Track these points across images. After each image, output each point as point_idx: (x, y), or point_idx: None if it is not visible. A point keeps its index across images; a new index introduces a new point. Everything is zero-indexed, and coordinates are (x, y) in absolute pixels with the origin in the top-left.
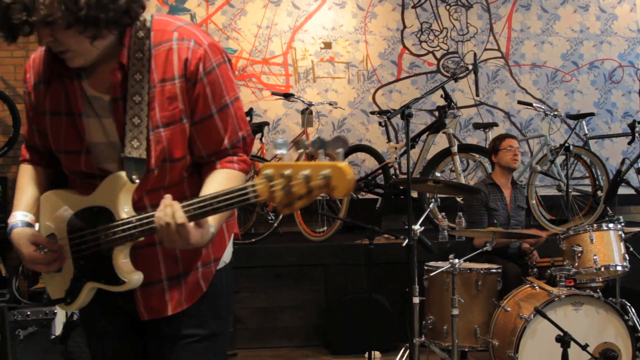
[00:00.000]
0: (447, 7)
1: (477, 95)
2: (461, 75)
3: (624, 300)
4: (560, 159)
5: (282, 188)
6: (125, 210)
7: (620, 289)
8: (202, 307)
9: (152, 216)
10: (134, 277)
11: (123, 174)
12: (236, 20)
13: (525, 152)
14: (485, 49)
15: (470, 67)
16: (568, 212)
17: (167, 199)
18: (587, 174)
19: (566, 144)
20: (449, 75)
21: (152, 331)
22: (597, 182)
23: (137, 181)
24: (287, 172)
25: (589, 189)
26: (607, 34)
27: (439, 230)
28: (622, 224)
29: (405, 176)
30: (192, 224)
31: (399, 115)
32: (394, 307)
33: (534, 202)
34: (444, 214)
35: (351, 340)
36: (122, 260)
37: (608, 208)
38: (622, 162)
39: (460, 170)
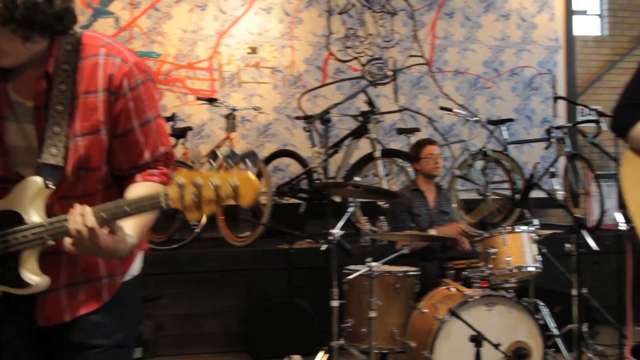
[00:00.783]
0: (373, 13)
1: (396, 101)
2: (381, 82)
3: (537, 300)
4: (480, 164)
5: (192, 195)
6: (37, 215)
7: (535, 289)
8: (108, 317)
9: (64, 219)
10: (40, 281)
11: (38, 179)
12: (161, 24)
13: (447, 157)
14: (410, 56)
15: (390, 74)
16: (484, 214)
17: (78, 205)
18: (507, 178)
19: (483, 149)
20: (379, 81)
21: (57, 340)
22: (515, 186)
23: (52, 187)
24: (199, 180)
25: (509, 192)
26: (527, 42)
27: (361, 235)
28: (537, 227)
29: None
30: (104, 229)
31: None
32: (317, 311)
33: (454, 205)
34: (367, 218)
35: (273, 345)
36: (30, 264)
37: (525, 211)
38: (535, 167)
39: (383, 174)
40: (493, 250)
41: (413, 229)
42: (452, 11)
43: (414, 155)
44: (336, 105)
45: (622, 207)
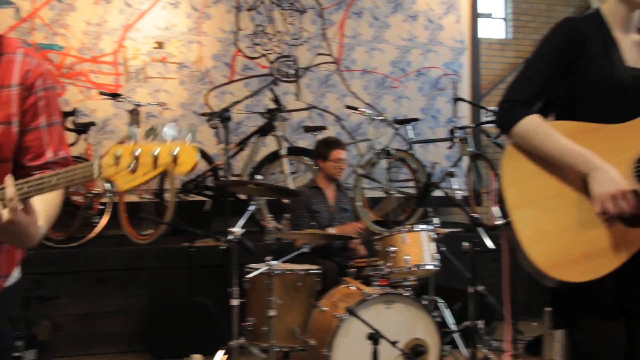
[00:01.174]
0: (282, 11)
1: (298, 100)
2: (287, 80)
3: (437, 297)
4: (386, 162)
5: (128, 163)
6: None
7: (435, 287)
8: None
9: None
10: None
11: None
12: (64, 16)
13: (354, 155)
14: (318, 54)
15: (293, 72)
16: (390, 212)
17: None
18: (412, 177)
19: (387, 148)
20: (283, 78)
21: None
22: (419, 185)
23: None
24: (137, 150)
25: (414, 190)
26: (434, 43)
27: (265, 232)
28: (437, 225)
29: (234, 178)
30: (20, 207)
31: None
32: (219, 310)
33: (359, 203)
34: (272, 215)
35: (174, 344)
36: None
37: (429, 209)
38: (433, 167)
39: (289, 172)
40: (392, 248)
41: (313, 227)
42: (360, 11)
43: (321, 153)
44: (236, 103)
45: (500, 201)
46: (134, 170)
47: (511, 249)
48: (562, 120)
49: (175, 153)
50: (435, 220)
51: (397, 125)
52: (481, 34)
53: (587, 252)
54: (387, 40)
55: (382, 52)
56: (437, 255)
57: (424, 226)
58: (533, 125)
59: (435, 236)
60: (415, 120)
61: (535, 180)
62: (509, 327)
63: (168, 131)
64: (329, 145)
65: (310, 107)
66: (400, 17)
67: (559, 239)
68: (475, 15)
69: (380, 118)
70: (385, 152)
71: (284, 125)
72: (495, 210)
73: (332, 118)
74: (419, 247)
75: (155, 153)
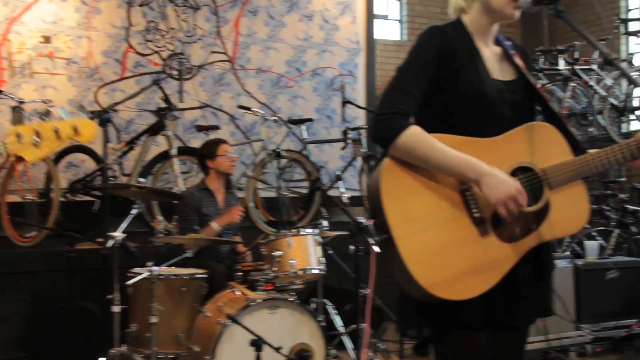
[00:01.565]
0: (175, 7)
1: (167, 101)
2: (178, 77)
3: (325, 300)
4: (281, 162)
5: (31, 138)
6: None
7: (326, 289)
8: None
9: None
10: None
11: None
12: None
13: (249, 155)
14: (212, 52)
15: (175, 73)
16: (283, 213)
17: None
18: (306, 177)
19: (277, 150)
20: (176, 76)
21: None
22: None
23: None
24: (38, 128)
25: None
26: (330, 43)
27: (155, 234)
28: (326, 228)
29: (124, 177)
30: None
31: (120, 114)
32: (104, 316)
33: (252, 204)
34: (161, 217)
35: (57, 351)
36: None
37: (323, 209)
38: (318, 170)
39: (179, 173)
40: (278, 253)
41: (197, 231)
42: (256, 9)
43: (208, 153)
44: (117, 104)
45: (373, 217)
46: (37, 146)
47: (387, 264)
48: (432, 132)
49: (75, 126)
50: (324, 223)
51: (291, 126)
52: (377, 35)
53: (466, 270)
54: (282, 39)
55: (278, 51)
56: (324, 259)
57: (310, 230)
58: (416, 136)
59: (321, 239)
60: (309, 120)
61: (416, 196)
62: (367, 334)
63: (61, 111)
64: (214, 143)
65: (203, 106)
66: (296, 16)
67: (440, 257)
68: (370, 17)
69: (273, 118)
70: (276, 154)
71: (175, 124)
72: (368, 224)
73: (226, 117)
74: (304, 251)
75: (56, 128)
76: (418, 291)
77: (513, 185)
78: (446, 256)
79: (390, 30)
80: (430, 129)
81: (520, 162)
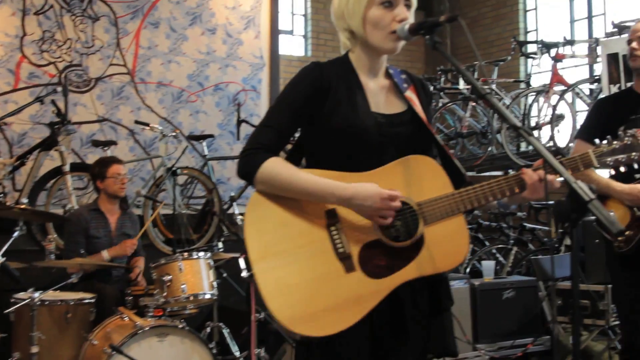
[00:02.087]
0: (73, 17)
1: (64, 117)
2: (46, 95)
3: (221, 324)
4: (181, 179)
5: None
6: None
7: (224, 312)
8: None
9: None
10: None
11: None
12: None
13: (149, 171)
14: (111, 64)
15: (60, 89)
16: (183, 232)
17: None
18: (207, 195)
19: (173, 167)
20: (74, 88)
21: None
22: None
23: None
24: None
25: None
26: (233, 58)
27: (46, 254)
28: (221, 249)
29: (15, 194)
30: None
31: (13, 127)
32: None
33: (150, 224)
34: (54, 236)
35: None
36: None
37: (225, 227)
38: (212, 192)
39: (72, 190)
40: (168, 277)
41: (84, 255)
42: (157, 21)
43: (98, 173)
44: (5, 116)
45: (244, 252)
46: None
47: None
48: (310, 166)
49: None
50: (219, 245)
51: (192, 141)
52: (281, 50)
53: (327, 306)
54: (184, 53)
55: (179, 65)
56: (216, 283)
57: (202, 253)
58: (276, 164)
59: (213, 263)
60: (211, 136)
61: (279, 230)
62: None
63: None
64: (104, 163)
65: (101, 120)
66: (199, 29)
67: (300, 293)
68: (275, 32)
69: (172, 134)
70: (172, 172)
71: (68, 139)
72: (241, 261)
73: (126, 132)
74: (196, 276)
75: None
76: (282, 328)
77: (377, 196)
78: (307, 292)
79: (295, 45)
80: (310, 164)
81: None
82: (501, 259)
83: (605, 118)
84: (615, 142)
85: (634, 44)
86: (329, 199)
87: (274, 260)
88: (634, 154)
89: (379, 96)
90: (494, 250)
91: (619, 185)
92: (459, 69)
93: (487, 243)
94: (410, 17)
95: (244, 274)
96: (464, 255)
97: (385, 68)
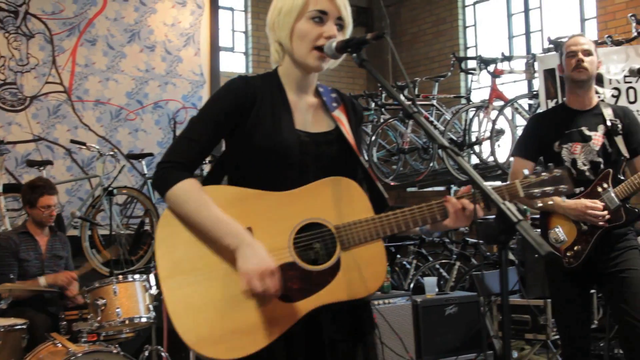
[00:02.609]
0: (6, 34)
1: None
2: (8, 108)
3: (159, 347)
4: (122, 199)
5: None
6: None
7: (162, 333)
8: None
9: None
10: None
11: None
12: None
13: (87, 190)
14: (47, 82)
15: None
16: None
17: None
18: (147, 214)
19: (109, 188)
20: (9, 107)
21: None
22: (154, 221)
23: None
24: None
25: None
26: (172, 75)
27: None
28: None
29: None
30: None
31: None
32: None
33: (86, 244)
34: None
35: None
36: None
37: None
38: (147, 212)
39: (5, 211)
40: (102, 301)
41: (13, 280)
42: (94, 38)
43: (28, 200)
44: None
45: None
46: None
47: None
48: (232, 183)
49: None
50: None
51: (131, 160)
52: (222, 67)
53: (236, 328)
54: (122, 70)
55: (118, 82)
56: (152, 306)
57: (137, 276)
58: (186, 191)
59: (149, 285)
60: (150, 155)
61: (188, 248)
62: None
63: None
64: (36, 191)
65: (37, 139)
66: (137, 47)
67: (208, 314)
68: (215, 49)
69: (111, 153)
70: (109, 192)
71: (2, 160)
72: (151, 277)
73: (63, 151)
74: (131, 299)
75: None
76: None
77: (267, 265)
78: (215, 312)
79: (236, 62)
80: (231, 180)
81: (311, 218)
82: (445, 274)
83: (540, 134)
84: (544, 174)
85: (580, 55)
86: (227, 239)
87: (183, 278)
88: (562, 186)
89: (306, 114)
90: (437, 266)
91: (563, 201)
92: (386, 88)
93: (430, 258)
94: (344, 38)
95: (153, 291)
96: (381, 282)
97: (316, 86)
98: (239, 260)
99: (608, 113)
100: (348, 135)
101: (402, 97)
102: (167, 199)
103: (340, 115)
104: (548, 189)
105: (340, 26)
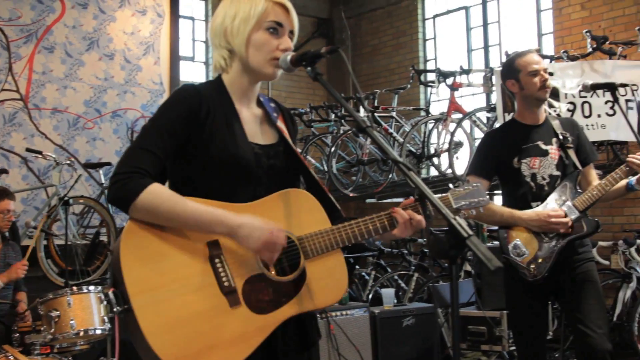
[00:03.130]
0: None
1: None
2: None
3: (114, 359)
4: (78, 208)
5: None
6: None
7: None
8: None
9: None
10: None
11: None
12: None
13: (43, 199)
14: (3, 89)
15: None
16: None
17: None
18: (104, 224)
19: (66, 197)
20: None
21: None
22: (111, 231)
23: None
24: None
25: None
26: (131, 84)
27: None
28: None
29: None
30: None
31: None
32: None
33: (42, 254)
34: None
35: None
36: None
37: None
38: (102, 223)
39: None
40: (56, 312)
41: None
42: (52, 46)
43: None
44: None
45: (114, 285)
46: None
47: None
48: (185, 195)
49: None
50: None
51: (89, 169)
52: (182, 76)
53: (213, 344)
54: (81, 78)
55: (76, 90)
56: (107, 318)
57: (92, 287)
58: (158, 193)
59: (102, 296)
60: (108, 164)
61: (158, 262)
62: None
63: None
64: None
65: None
66: (96, 55)
67: (185, 329)
68: (175, 58)
69: (67, 162)
70: (65, 202)
71: None
72: (111, 294)
73: (18, 159)
74: (85, 310)
75: None
76: None
77: (266, 230)
78: (191, 328)
79: (196, 72)
80: (178, 191)
81: None
82: (403, 285)
83: (496, 152)
84: (466, 187)
85: (545, 75)
86: (216, 228)
87: (154, 295)
88: (481, 199)
89: (253, 125)
90: (396, 277)
91: (524, 213)
92: (340, 101)
93: (389, 270)
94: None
95: (115, 309)
96: (344, 290)
97: (257, 96)
98: (241, 243)
99: (557, 125)
100: (294, 147)
101: (361, 110)
102: (135, 208)
103: (282, 126)
104: (472, 200)
105: (291, 39)
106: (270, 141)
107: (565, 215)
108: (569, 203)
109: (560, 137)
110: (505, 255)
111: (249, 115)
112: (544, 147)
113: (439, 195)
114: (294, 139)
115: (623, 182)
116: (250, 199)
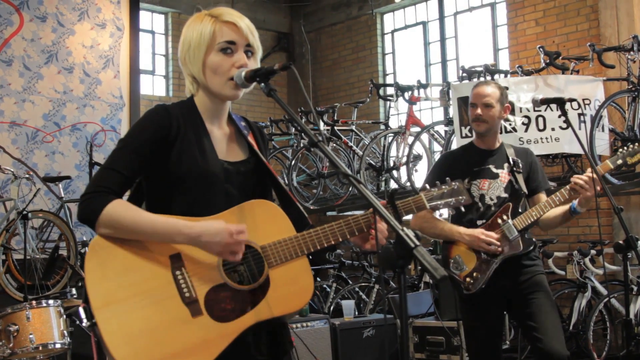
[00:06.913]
0: None
1: None
2: None
3: None
4: (38, 222)
5: None
6: None
7: (75, 359)
8: None
9: None
10: None
11: None
12: None
13: (1, 214)
14: None
15: None
16: (28, 276)
17: None
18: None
19: (24, 211)
20: None
21: None
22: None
23: None
24: None
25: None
26: (91, 97)
27: None
28: (74, 296)
29: None
30: None
31: None
32: None
33: (0, 269)
34: None
35: None
36: None
37: (82, 273)
38: (60, 238)
39: None
40: (15, 327)
41: None
42: (10, 59)
43: None
44: None
45: (85, 301)
46: None
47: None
48: (153, 210)
49: None
50: (73, 291)
51: (48, 183)
52: (142, 90)
53: (175, 353)
54: (39, 92)
55: (34, 104)
56: (68, 332)
57: (51, 301)
58: (120, 207)
59: (62, 310)
60: (67, 178)
61: (122, 276)
62: None
63: None
64: None
65: None
66: (55, 68)
67: (146, 340)
68: (135, 72)
69: (26, 176)
70: (23, 216)
71: None
72: (81, 310)
73: None
74: (45, 325)
75: None
76: None
77: (225, 231)
78: (152, 339)
79: (156, 85)
80: (150, 207)
81: None
82: (364, 297)
83: (450, 171)
84: (443, 187)
85: (479, 110)
86: (176, 238)
87: (117, 308)
88: (460, 197)
89: (223, 143)
90: (357, 289)
91: (461, 229)
92: (292, 117)
93: (350, 281)
94: (256, 63)
95: (84, 323)
96: (310, 296)
97: (229, 114)
98: (204, 247)
99: (510, 152)
100: (266, 162)
101: (321, 123)
102: (99, 223)
103: (252, 141)
104: (449, 200)
105: (251, 52)
106: (241, 157)
107: (504, 238)
108: (509, 222)
109: (512, 162)
110: (445, 269)
111: (220, 134)
112: (494, 170)
113: (413, 196)
114: (265, 154)
115: (566, 207)
116: (221, 212)
